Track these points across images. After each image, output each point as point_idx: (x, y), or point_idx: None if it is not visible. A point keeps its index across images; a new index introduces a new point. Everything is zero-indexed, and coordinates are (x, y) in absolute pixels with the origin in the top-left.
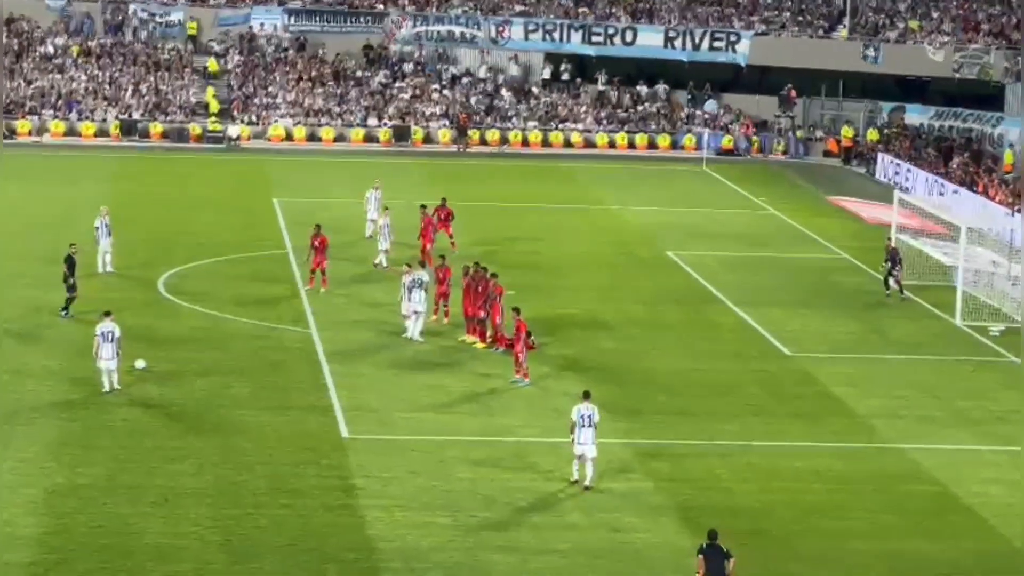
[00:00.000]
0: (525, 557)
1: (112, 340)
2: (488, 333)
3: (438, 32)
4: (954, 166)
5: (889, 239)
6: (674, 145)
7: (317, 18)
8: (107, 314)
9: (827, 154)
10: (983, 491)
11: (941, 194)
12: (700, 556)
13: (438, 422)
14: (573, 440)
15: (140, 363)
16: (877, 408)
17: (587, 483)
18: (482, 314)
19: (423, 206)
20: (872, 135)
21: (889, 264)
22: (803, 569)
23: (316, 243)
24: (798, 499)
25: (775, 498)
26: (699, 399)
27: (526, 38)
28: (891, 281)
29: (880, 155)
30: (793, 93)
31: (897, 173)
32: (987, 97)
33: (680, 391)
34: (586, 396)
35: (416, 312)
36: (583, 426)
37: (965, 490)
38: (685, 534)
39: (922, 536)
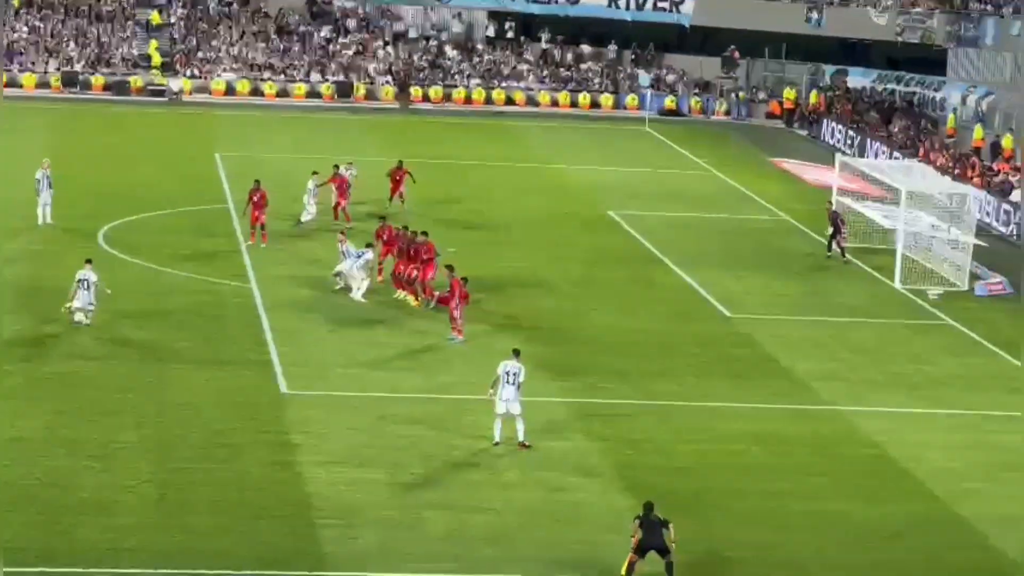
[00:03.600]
0: (461, 515)
1: (88, 288)
2: (419, 293)
3: None
4: (896, 130)
5: (830, 203)
6: (617, 105)
7: None
8: (88, 261)
9: (770, 116)
10: (919, 454)
11: (883, 157)
12: (636, 523)
13: (377, 379)
14: (491, 396)
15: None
16: (816, 370)
17: (520, 439)
18: (414, 274)
19: (336, 166)
20: (815, 98)
21: (832, 228)
22: (740, 530)
23: (255, 198)
24: (736, 460)
25: (713, 459)
26: (638, 359)
27: None
28: (833, 244)
29: (823, 118)
30: (736, 55)
31: (839, 136)
32: (929, 61)
33: (619, 351)
34: (515, 354)
35: (346, 273)
36: (507, 383)
37: (902, 453)
38: (623, 494)
39: (859, 498)
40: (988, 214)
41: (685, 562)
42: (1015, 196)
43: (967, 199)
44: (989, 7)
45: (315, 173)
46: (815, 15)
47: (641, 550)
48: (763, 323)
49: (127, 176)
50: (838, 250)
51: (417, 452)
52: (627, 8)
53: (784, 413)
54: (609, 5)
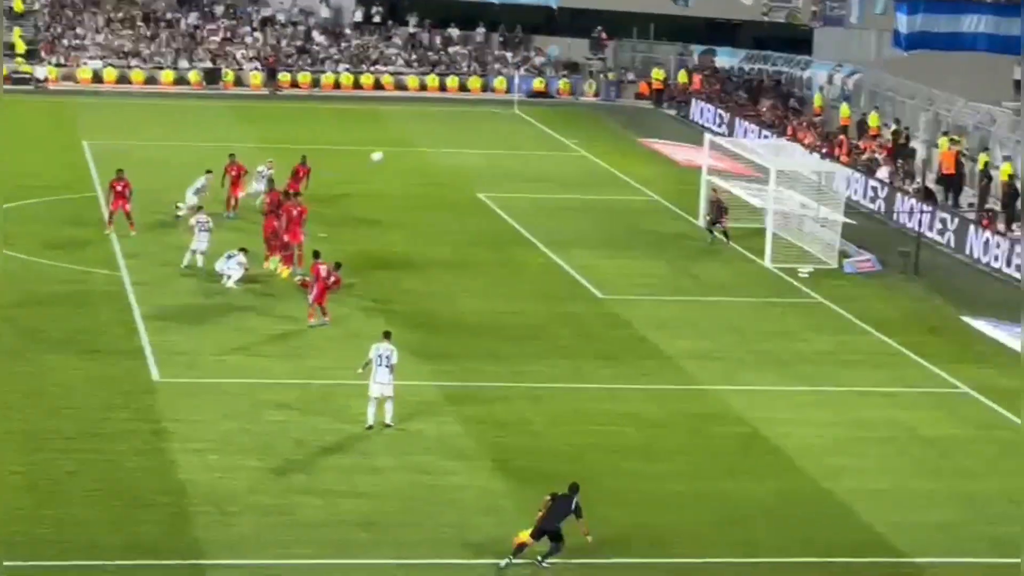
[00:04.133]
0: (334, 500)
1: None
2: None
3: None
4: (764, 109)
5: (714, 190)
6: (485, 87)
7: None
8: None
9: (639, 97)
10: (790, 432)
11: (752, 137)
12: (547, 499)
13: (248, 365)
14: (364, 375)
15: None
16: (687, 350)
17: (387, 421)
18: (286, 238)
19: (232, 155)
20: (683, 78)
21: (713, 214)
22: (614, 510)
23: (118, 187)
24: (608, 441)
25: (585, 440)
26: (510, 341)
27: None
28: (715, 230)
29: (692, 98)
30: (604, 36)
31: (708, 115)
32: (796, 40)
33: (491, 333)
34: (386, 336)
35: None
36: (380, 365)
37: (773, 431)
38: (495, 477)
39: (730, 476)
40: (856, 192)
41: None
42: (881, 173)
43: (835, 177)
44: None
45: (208, 172)
46: None
47: (537, 532)
48: (635, 303)
49: None
50: (721, 236)
51: (290, 438)
52: None
53: (656, 393)
54: None
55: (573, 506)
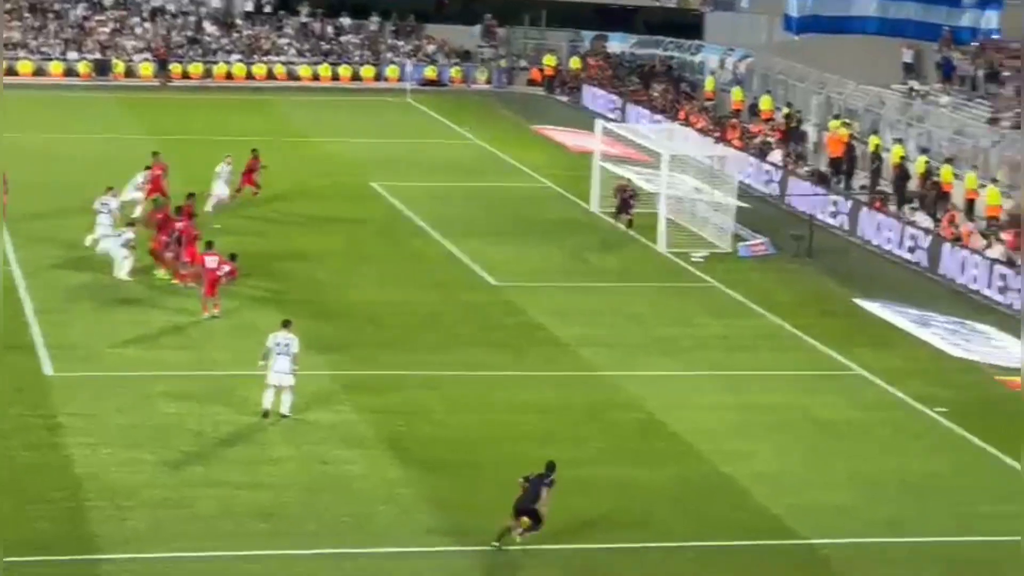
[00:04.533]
0: (233, 492)
1: None
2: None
3: None
4: (656, 94)
5: (625, 180)
6: (378, 76)
7: None
8: None
9: (531, 83)
10: (687, 416)
11: (644, 122)
12: (521, 481)
13: (144, 357)
14: (266, 367)
15: None
16: (584, 336)
17: (283, 411)
18: (168, 254)
19: (155, 153)
20: (575, 64)
21: (619, 204)
22: (508, 497)
23: None
24: (506, 429)
25: (483, 428)
26: (405, 330)
27: None
28: (619, 220)
29: (584, 84)
30: (495, 23)
31: (600, 101)
32: (687, 25)
33: (386, 322)
34: (285, 325)
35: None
36: (279, 354)
37: (669, 416)
38: (393, 465)
39: (629, 462)
40: (749, 176)
41: (457, 529)
42: (774, 157)
43: (728, 161)
44: None
45: (148, 168)
46: None
47: (515, 512)
48: (529, 291)
49: None
50: (623, 226)
51: (186, 430)
52: None
53: (553, 380)
54: None
55: (548, 483)
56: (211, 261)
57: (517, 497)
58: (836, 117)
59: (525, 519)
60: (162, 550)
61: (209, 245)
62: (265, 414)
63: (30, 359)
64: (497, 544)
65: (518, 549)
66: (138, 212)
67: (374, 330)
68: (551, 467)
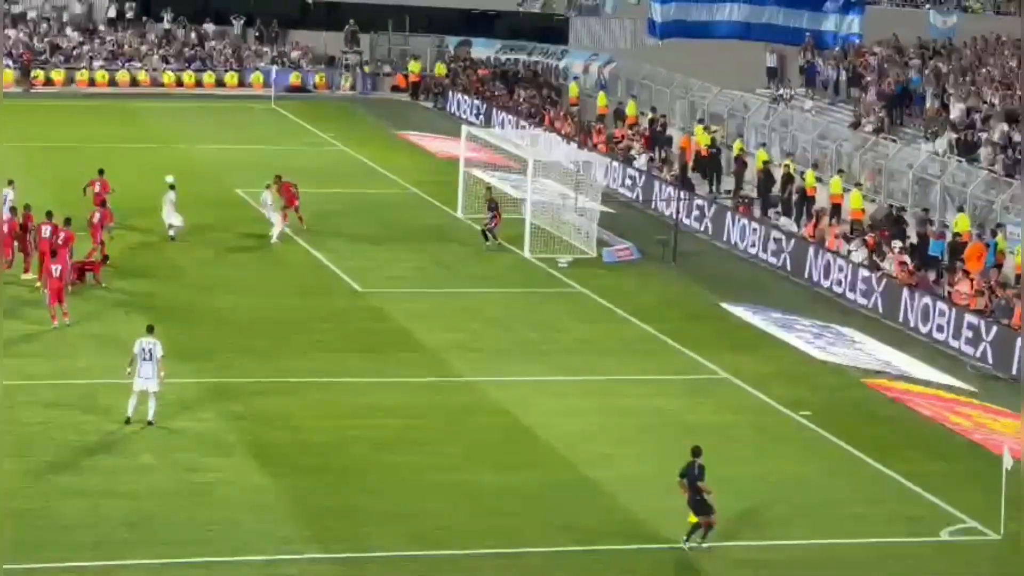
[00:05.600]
0: (97, 501)
1: None
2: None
3: None
4: (521, 99)
5: (489, 188)
6: (242, 83)
7: None
8: None
9: (395, 89)
10: (551, 421)
11: (509, 127)
12: (681, 481)
13: (5, 366)
14: (132, 374)
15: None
16: (447, 342)
17: (149, 418)
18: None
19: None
20: (440, 69)
21: (490, 215)
22: (373, 502)
23: None
24: (368, 434)
25: (345, 434)
26: (269, 337)
27: None
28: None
29: (448, 89)
30: (358, 28)
31: (465, 107)
32: (552, 31)
33: (250, 329)
34: (149, 330)
35: None
36: (145, 359)
37: (534, 421)
38: (258, 472)
39: (493, 467)
40: (614, 180)
41: (323, 536)
42: (639, 162)
43: (592, 166)
44: None
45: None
46: None
47: (694, 511)
48: (394, 297)
49: None
50: (491, 237)
51: (50, 439)
52: None
53: (417, 386)
54: None
55: (697, 469)
56: (55, 270)
57: (687, 498)
58: (700, 122)
59: (708, 517)
60: (26, 561)
61: (54, 254)
62: (127, 421)
63: None
64: (689, 542)
65: (377, 555)
66: None
67: (238, 337)
68: (697, 452)
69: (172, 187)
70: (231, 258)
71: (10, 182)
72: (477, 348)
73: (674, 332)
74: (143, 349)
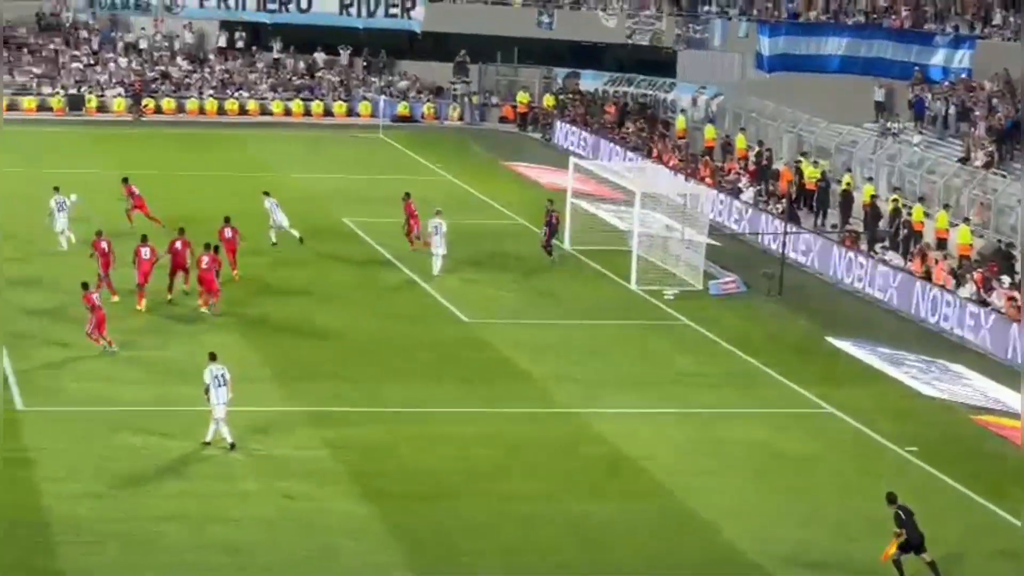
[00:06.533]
0: (198, 525)
1: None
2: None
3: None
4: (629, 131)
5: (550, 201)
6: (350, 112)
7: None
8: None
9: (503, 120)
10: (654, 452)
11: (616, 159)
12: (899, 517)
13: (109, 392)
14: (207, 402)
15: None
16: (551, 372)
17: (229, 440)
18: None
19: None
20: (548, 101)
21: (546, 230)
22: (476, 533)
23: None
24: (468, 464)
25: (448, 463)
26: (373, 364)
27: (201, 5)
28: (544, 247)
29: (557, 121)
30: (468, 60)
31: (573, 138)
32: (660, 63)
33: (354, 356)
34: (212, 358)
35: None
36: (218, 386)
37: (637, 452)
38: (357, 500)
39: (595, 498)
40: (720, 213)
41: (420, 564)
42: (746, 195)
43: (699, 199)
44: (715, 9)
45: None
46: (546, 18)
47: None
48: (499, 327)
49: None
50: (547, 247)
51: (153, 464)
52: (358, 15)
53: (520, 416)
54: (340, 12)
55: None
56: (96, 298)
57: (898, 533)
58: (804, 155)
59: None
60: None
61: (85, 286)
62: (206, 444)
63: (3, 393)
64: None
65: None
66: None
67: (341, 364)
68: (891, 499)
69: (267, 194)
70: (338, 286)
71: (56, 188)
72: (580, 379)
73: (779, 365)
74: (215, 376)
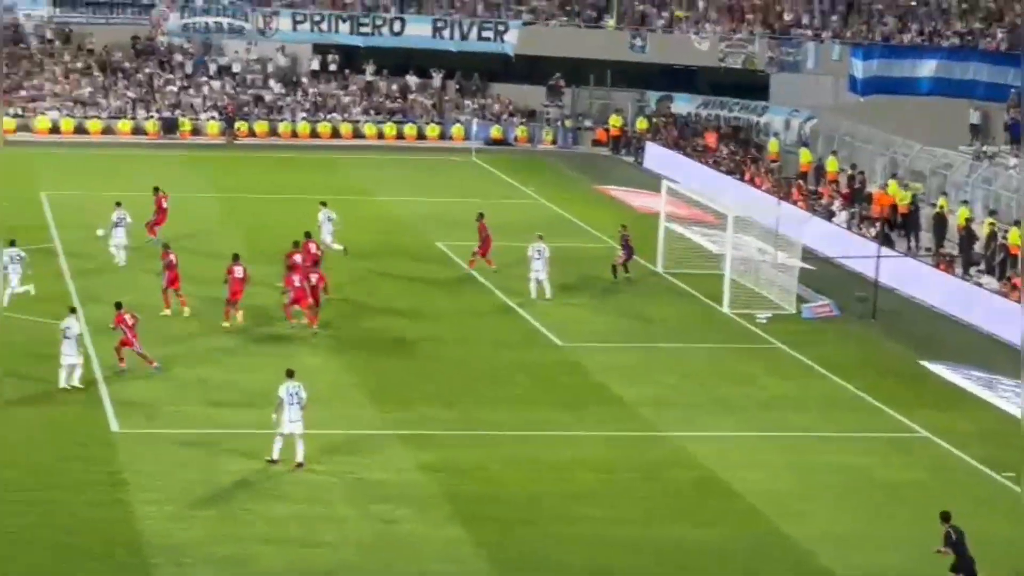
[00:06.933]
0: (294, 549)
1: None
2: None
3: (205, 23)
4: (722, 154)
5: (623, 226)
6: (443, 135)
7: (83, 9)
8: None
9: (596, 143)
10: (747, 476)
11: (708, 182)
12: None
13: (206, 414)
14: (278, 419)
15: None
16: (645, 396)
17: (299, 459)
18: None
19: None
20: (641, 124)
21: (621, 252)
22: (570, 556)
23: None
24: (565, 487)
25: (542, 487)
26: (468, 388)
27: (294, 29)
28: (618, 267)
29: (648, 144)
30: (561, 83)
31: (665, 162)
32: (752, 86)
33: (449, 380)
34: (290, 375)
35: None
36: (291, 404)
37: (730, 475)
38: (454, 524)
39: (689, 521)
40: (813, 236)
41: None
42: (839, 218)
43: (792, 222)
44: (809, 32)
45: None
46: (639, 42)
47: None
48: (592, 350)
49: None
50: (622, 270)
51: (248, 488)
52: (451, 38)
53: (614, 440)
54: (433, 36)
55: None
56: (127, 319)
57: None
58: (894, 176)
59: None
60: None
61: (119, 306)
62: (272, 462)
63: (97, 415)
64: None
65: None
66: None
67: (437, 387)
68: (945, 517)
69: (324, 204)
70: (429, 309)
71: (118, 204)
72: (674, 402)
73: (873, 389)
74: (290, 394)
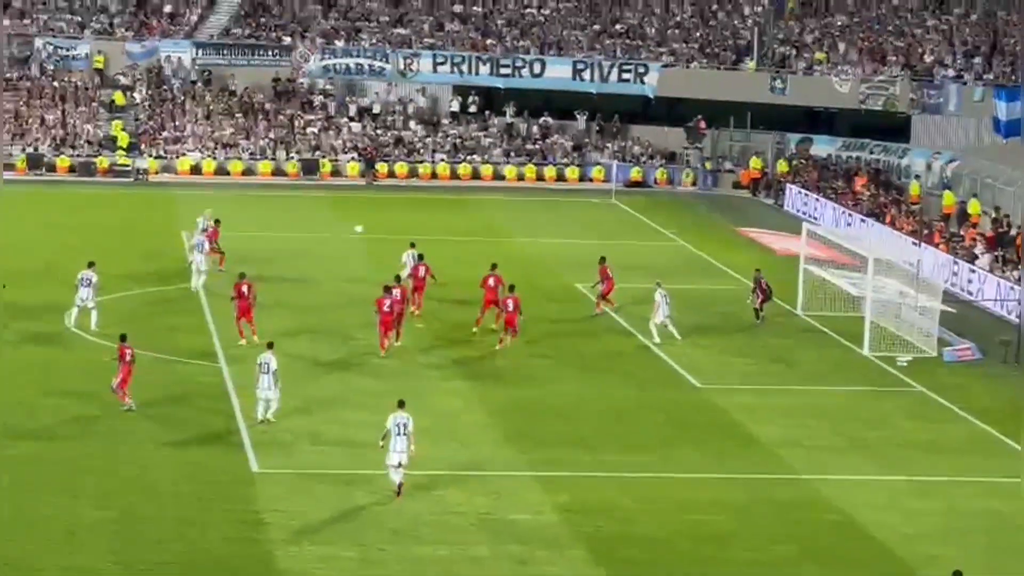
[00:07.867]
0: None
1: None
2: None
3: (346, 65)
4: (862, 196)
5: (757, 269)
6: (582, 177)
7: (225, 51)
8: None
9: (736, 185)
10: (883, 519)
11: (849, 224)
12: None
13: (344, 455)
14: (385, 448)
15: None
16: (783, 438)
17: (396, 486)
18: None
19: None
20: (781, 166)
21: (757, 294)
22: None
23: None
24: (700, 529)
25: (678, 528)
26: (605, 429)
27: (434, 70)
28: (756, 309)
29: (788, 186)
30: (703, 124)
31: (806, 204)
32: (893, 128)
33: (586, 421)
34: (401, 405)
35: None
36: (398, 434)
37: (866, 518)
38: (590, 566)
39: (824, 564)
40: (956, 279)
41: None
42: (982, 261)
43: (934, 265)
44: (951, 72)
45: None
46: (779, 84)
47: None
48: (731, 392)
49: (93, 257)
50: (759, 310)
51: (386, 527)
52: (592, 80)
53: (748, 482)
54: (574, 77)
55: None
56: (128, 353)
57: None
58: None
59: None
60: None
61: (123, 338)
62: (398, 493)
63: (237, 455)
64: None
65: None
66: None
67: (574, 428)
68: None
69: (412, 245)
70: (569, 349)
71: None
72: (811, 445)
73: (1016, 434)
74: (397, 424)
